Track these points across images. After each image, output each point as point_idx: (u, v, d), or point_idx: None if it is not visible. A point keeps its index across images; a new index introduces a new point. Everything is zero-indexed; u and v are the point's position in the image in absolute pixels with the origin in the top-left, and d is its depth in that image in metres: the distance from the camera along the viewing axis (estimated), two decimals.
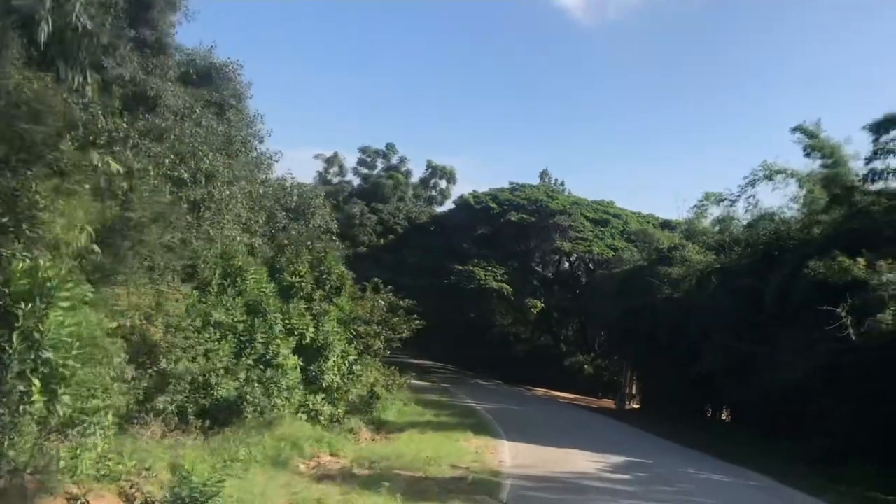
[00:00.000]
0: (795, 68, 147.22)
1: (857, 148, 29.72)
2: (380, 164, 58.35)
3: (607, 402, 46.01)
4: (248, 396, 14.58)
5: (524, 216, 48.47)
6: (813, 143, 25.68)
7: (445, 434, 20.36)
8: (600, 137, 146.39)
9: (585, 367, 51.59)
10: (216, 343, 15.08)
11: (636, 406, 42.95)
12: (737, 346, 25.42)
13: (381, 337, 27.62)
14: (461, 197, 53.74)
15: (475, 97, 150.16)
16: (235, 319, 15.92)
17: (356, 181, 57.40)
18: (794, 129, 26.10)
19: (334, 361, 17.10)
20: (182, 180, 19.25)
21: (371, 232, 50.98)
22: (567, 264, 56.02)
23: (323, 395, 16.76)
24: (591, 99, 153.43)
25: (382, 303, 29.52)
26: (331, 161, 58.05)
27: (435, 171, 59.88)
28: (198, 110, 22.36)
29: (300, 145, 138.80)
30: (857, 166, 24.60)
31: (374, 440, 18.36)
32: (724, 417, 34.12)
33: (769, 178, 26.20)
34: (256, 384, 15.17)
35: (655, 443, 26.23)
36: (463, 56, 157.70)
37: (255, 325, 16.19)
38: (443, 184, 60.45)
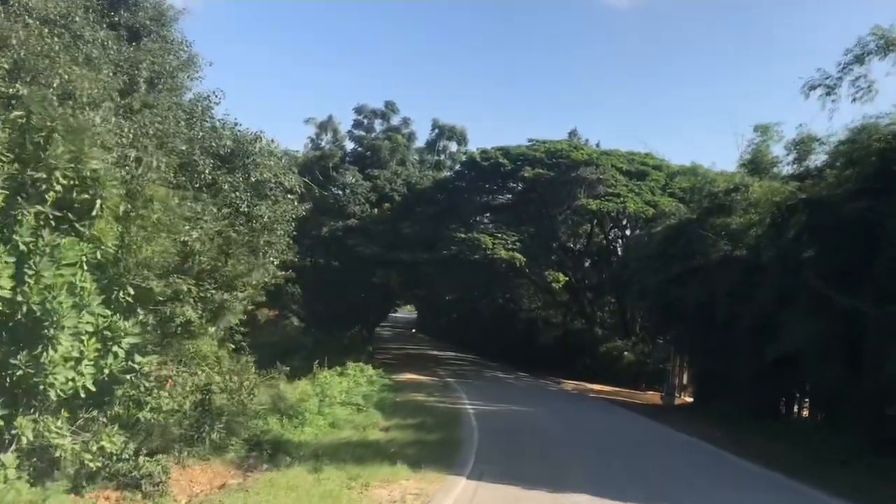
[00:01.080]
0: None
1: None
2: (378, 126, 50.24)
3: (652, 396, 37.39)
4: None
5: (541, 171, 39.90)
6: None
7: (364, 468, 12.17)
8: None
9: (625, 353, 42.90)
10: None
11: (687, 399, 34.23)
12: (837, 307, 16.74)
13: (197, 301, 15.23)
14: (467, 154, 45.29)
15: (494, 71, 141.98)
16: None
17: (351, 147, 49.57)
18: None
19: (72, 347, 8.54)
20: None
21: (362, 201, 42.99)
22: (597, 229, 47.28)
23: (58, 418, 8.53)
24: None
25: (198, 234, 15.79)
26: (324, 126, 50.16)
27: (442, 131, 51.42)
28: (77, 19, 16.91)
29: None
30: None
31: (208, 491, 10.27)
32: (805, 415, 25.36)
33: (885, 50, 17.23)
34: None
35: (720, 461, 17.68)
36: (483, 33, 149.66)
37: None
38: (452, 146, 52.03)
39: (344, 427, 16.86)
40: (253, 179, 26.12)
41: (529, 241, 39.00)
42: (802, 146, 22.12)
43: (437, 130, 51.25)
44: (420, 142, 52.73)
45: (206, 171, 23.07)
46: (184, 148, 22.45)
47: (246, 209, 25.45)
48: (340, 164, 45.81)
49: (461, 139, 50.99)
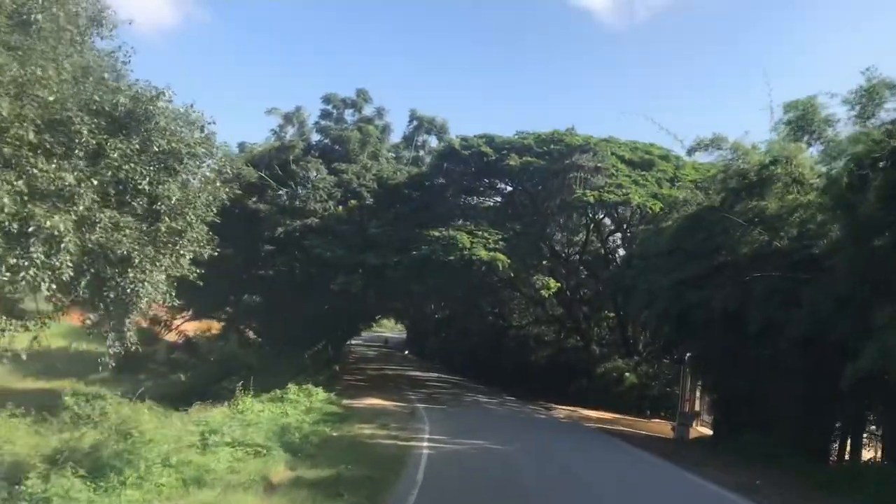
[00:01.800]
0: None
1: None
2: (350, 117, 44.56)
3: (659, 426, 31.51)
4: None
5: (530, 159, 34.15)
6: None
7: None
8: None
9: (627, 375, 37.06)
10: None
11: (704, 431, 28.32)
12: None
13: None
14: (444, 142, 39.54)
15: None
16: None
17: (317, 139, 43.72)
18: None
19: None
20: None
21: (325, 197, 37.18)
22: (594, 235, 41.43)
23: None
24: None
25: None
26: (290, 118, 44.41)
27: (420, 124, 45.58)
28: None
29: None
30: None
31: None
32: (873, 456, 19.48)
33: None
34: None
35: None
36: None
37: None
38: (432, 142, 46.17)
39: (210, 485, 10.98)
40: (156, 149, 20.49)
41: (516, 240, 33.03)
42: (871, 95, 16.33)
43: (414, 123, 45.41)
44: (396, 136, 47.19)
45: (85, 133, 17.53)
46: (51, 99, 17.06)
47: (146, 187, 19.79)
48: (303, 156, 40.07)
49: (441, 133, 45.19)
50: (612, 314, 45.42)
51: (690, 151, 23.17)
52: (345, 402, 28.85)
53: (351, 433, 19.63)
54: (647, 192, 32.22)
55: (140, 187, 20.08)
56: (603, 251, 43.44)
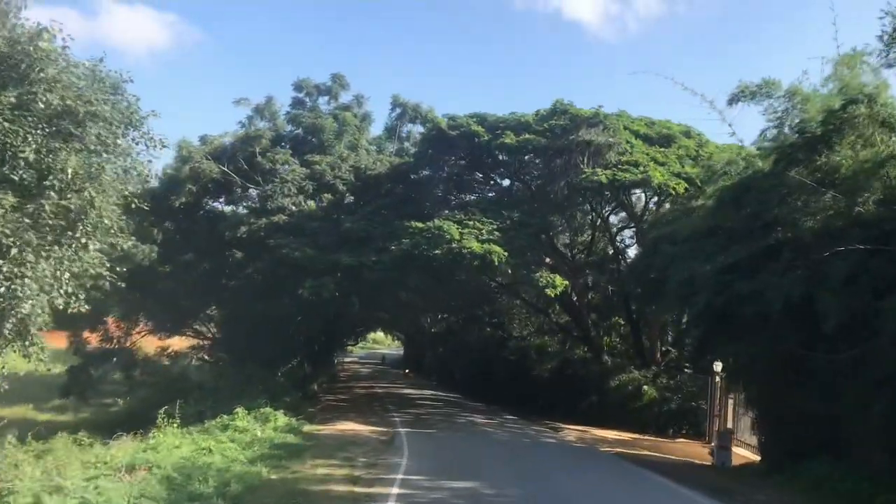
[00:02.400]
0: None
1: None
2: (325, 106, 39.76)
3: (686, 447, 26.64)
4: None
5: (529, 136, 29.37)
6: None
7: None
8: None
9: (645, 388, 32.09)
10: None
11: (744, 453, 23.32)
12: None
13: None
14: (430, 123, 34.66)
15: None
16: None
17: (288, 130, 38.83)
18: None
19: None
20: None
21: (294, 191, 32.40)
22: (600, 233, 36.59)
23: None
24: None
25: None
26: (260, 110, 39.59)
27: (404, 111, 40.70)
28: None
29: None
30: None
31: None
32: None
33: None
34: None
35: None
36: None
37: None
38: (418, 131, 41.12)
39: None
40: (42, 106, 15.99)
41: (513, 231, 28.05)
42: None
43: (398, 110, 40.52)
44: (378, 128, 42.48)
45: None
46: None
47: (30, 155, 15.17)
48: (271, 147, 35.31)
49: (426, 121, 40.25)
50: (621, 321, 40.63)
51: (732, 101, 18.26)
52: (310, 428, 23.99)
53: (296, 476, 14.68)
54: (669, 171, 27.38)
55: (22, 155, 15.42)
56: (613, 250, 38.63)
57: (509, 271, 27.79)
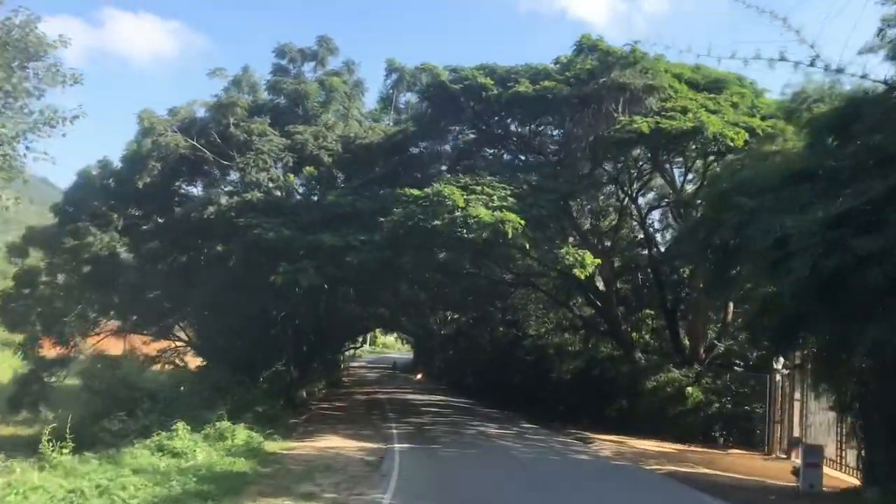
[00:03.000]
0: None
1: None
2: (311, 74, 34.72)
3: (748, 461, 21.55)
4: None
5: (548, 84, 24.25)
6: None
7: None
8: None
9: (689, 390, 27.01)
10: None
11: (832, 472, 18.16)
12: None
13: None
14: (429, 76, 29.35)
15: None
16: None
17: (268, 99, 33.75)
18: None
19: None
20: None
21: (268, 164, 27.53)
22: (627, 199, 31.42)
23: None
24: None
25: None
26: (238, 82, 34.65)
27: (401, 77, 35.49)
28: None
29: None
30: None
31: None
32: None
33: None
34: None
35: None
36: None
37: None
38: (418, 102, 35.64)
39: None
40: None
41: (531, 197, 22.73)
42: None
43: (394, 76, 35.30)
44: (372, 101, 37.50)
45: None
46: None
47: None
48: (248, 118, 30.40)
49: (424, 74, 34.72)
50: (651, 313, 35.48)
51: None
52: (280, 446, 19.10)
53: None
54: (726, 121, 22.11)
55: None
56: (642, 233, 33.62)
57: (527, 246, 22.44)
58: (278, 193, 27.23)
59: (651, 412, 28.21)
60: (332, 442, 21.02)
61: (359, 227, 24.21)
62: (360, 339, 69.28)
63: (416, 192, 22.08)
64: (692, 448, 24.20)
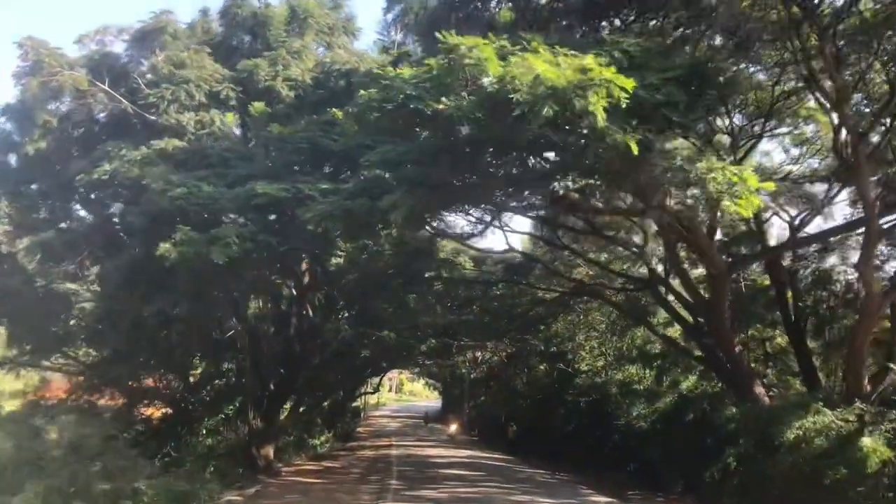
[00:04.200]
0: None
1: None
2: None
3: None
4: None
5: None
6: None
7: None
8: None
9: (866, 444, 16.45)
10: None
11: None
12: None
13: None
14: None
15: None
16: None
17: (220, 32, 24.33)
18: None
19: None
20: None
21: (197, 102, 18.13)
22: None
23: None
24: None
25: None
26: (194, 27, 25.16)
27: (405, 10, 25.64)
28: None
29: None
30: None
31: None
32: None
33: None
34: None
35: None
36: None
37: None
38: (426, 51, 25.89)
39: None
40: None
41: (642, 54, 11.30)
42: None
43: (396, 9, 25.77)
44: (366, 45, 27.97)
45: None
46: None
47: None
48: (184, 51, 21.16)
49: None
50: (772, 331, 24.98)
51: None
52: None
53: None
54: None
55: None
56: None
57: (631, 146, 10.61)
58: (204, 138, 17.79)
59: (795, 477, 17.65)
60: None
61: (322, 176, 14.57)
62: (372, 383, 58.64)
63: (405, 70, 12.20)
64: None
